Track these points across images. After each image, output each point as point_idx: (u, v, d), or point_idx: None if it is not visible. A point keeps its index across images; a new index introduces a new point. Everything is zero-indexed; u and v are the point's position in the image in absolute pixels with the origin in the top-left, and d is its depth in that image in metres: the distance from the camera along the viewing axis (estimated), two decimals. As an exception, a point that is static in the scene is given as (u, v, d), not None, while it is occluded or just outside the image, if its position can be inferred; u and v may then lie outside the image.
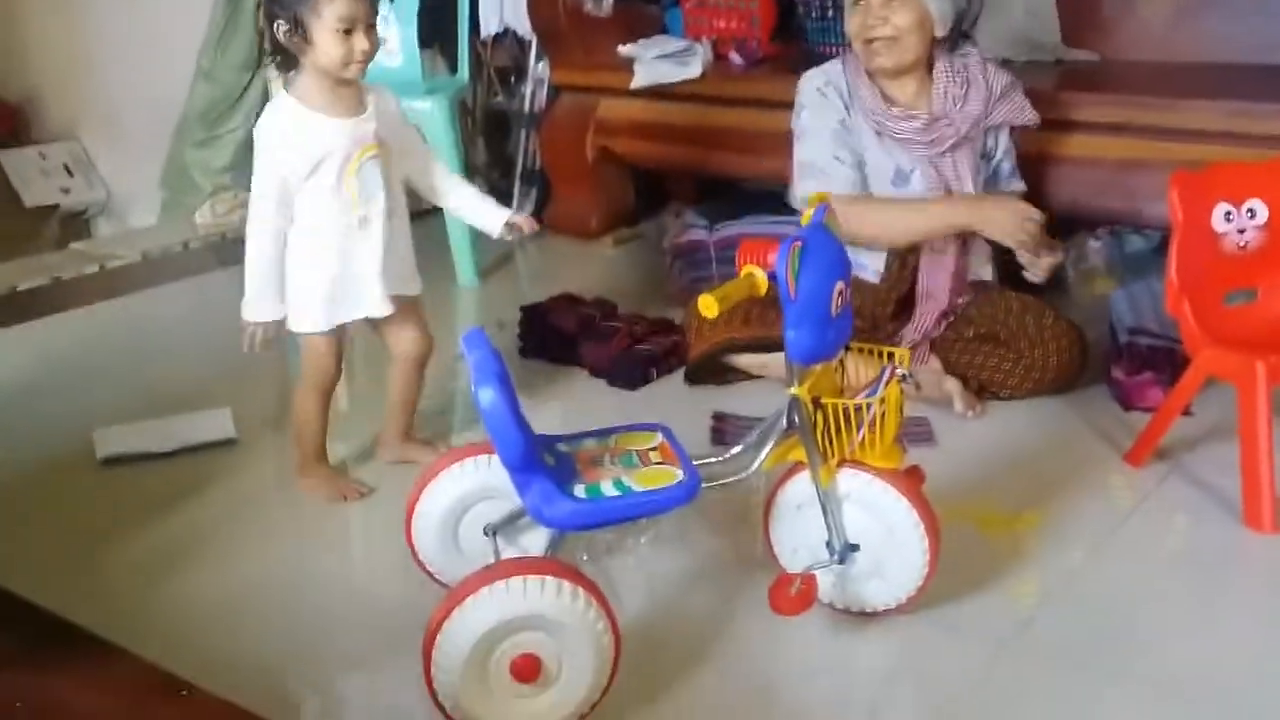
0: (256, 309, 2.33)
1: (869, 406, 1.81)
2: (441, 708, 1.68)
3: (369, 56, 2.19)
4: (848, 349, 1.91)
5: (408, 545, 2.03)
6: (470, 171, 4.37)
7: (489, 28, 4.25)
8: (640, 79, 3.72)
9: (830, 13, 3.54)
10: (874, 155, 2.75)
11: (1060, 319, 2.74)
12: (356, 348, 3.13)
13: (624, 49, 3.83)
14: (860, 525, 1.89)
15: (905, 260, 2.78)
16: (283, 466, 2.71)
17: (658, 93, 3.73)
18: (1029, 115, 2.80)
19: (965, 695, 1.78)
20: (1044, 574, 2.09)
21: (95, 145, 5.17)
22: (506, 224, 2.50)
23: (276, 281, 2.31)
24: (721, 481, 1.92)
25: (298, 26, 2.14)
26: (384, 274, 2.36)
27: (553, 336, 3.10)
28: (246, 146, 4.47)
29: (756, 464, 1.87)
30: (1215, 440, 2.48)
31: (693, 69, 3.68)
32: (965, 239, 2.76)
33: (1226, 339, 2.27)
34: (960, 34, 2.88)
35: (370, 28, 2.18)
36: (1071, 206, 3.05)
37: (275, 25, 2.16)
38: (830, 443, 1.84)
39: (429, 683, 1.67)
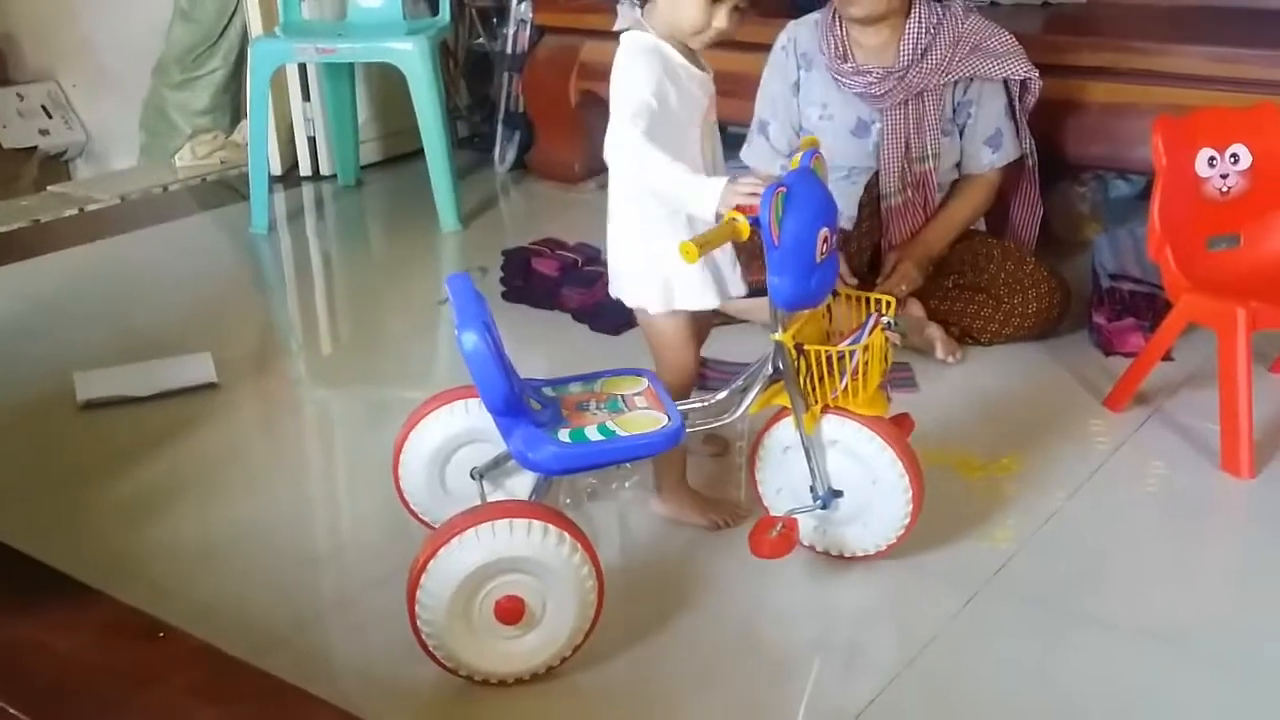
0: (710, 196, 1.77)
1: (852, 354, 1.80)
2: (425, 647, 1.69)
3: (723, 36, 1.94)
4: (834, 295, 1.90)
5: (395, 487, 2.03)
6: (452, 114, 4.34)
7: (471, -32, 4.20)
8: (623, 20, 3.67)
9: (816, -46, 3.49)
10: (837, 106, 2.82)
11: (1040, 266, 2.74)
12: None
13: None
14: (844, 472, 1.89)
15: (875, 209, 2.79)
16: (264, 412, 2.72)
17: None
18: (1012, 69, 2.76)
19: (942, 637, 1.80)
20: (1022, 518, 2.10)
21: (74, 86, 5.11)
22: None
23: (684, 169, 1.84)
24: (706, 426, 1.93)
25: None
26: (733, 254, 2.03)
27: (535, 281, 3.09)
28: (225, 88, 4.49)
29: (741, 409, 1.87)
30: (1195, 386, 2.49)
31: (677, 10, 3.64)
32: (923, 188, 2.78)
33: (1208, 285, 2.27)
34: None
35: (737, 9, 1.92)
36: (1056, 151, 3.03)
37: None
38: (814, 389, 1.84)
39: (413, 623, 1.68)
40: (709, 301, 1.98)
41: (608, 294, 2.96)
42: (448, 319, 3.13)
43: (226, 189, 4.20)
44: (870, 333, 1.81)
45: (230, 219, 3.91)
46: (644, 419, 1.81)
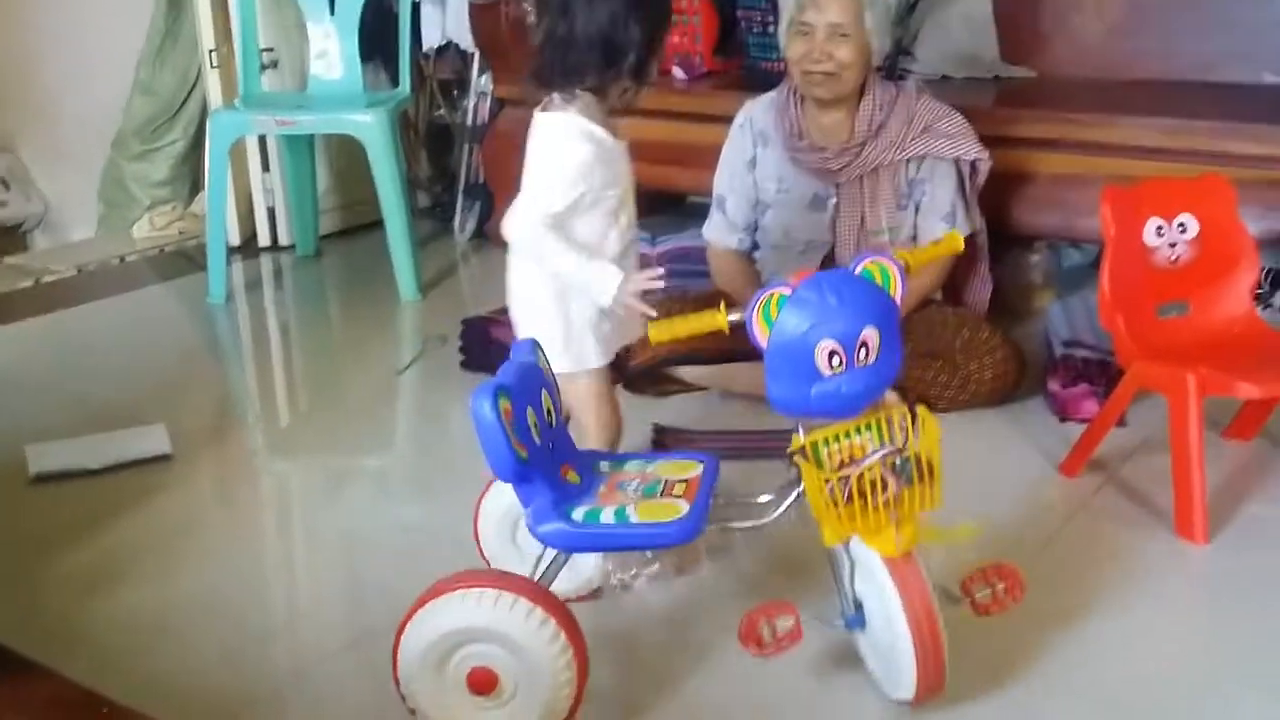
0: (606, 282, 1.95)
1: (844, 480, 1.63)
2: (404, 699, 1.69)
3: None
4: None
5: (474, 539, 2.05)
6: (412, 184, 4.36)
7: (431, 40, 4.24)
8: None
9: (771, 29, 3.54)
10: (792, 181, 2.87)
11: (996, 333, 2.77)
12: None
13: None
14: (869, 600, 1.75)
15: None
16: (220, 483, 2.69)
17: (601, 107, 3.73)
18: (963, 149, 2.82)
19: (897, 704, 1.79)
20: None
21: (32, 158, 5.10)
22: None
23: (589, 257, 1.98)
24: (736, 525, 1.80)
25: (648, 46, 1.97)
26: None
27: (495, 349, 3.08)
28: (184, 160, 4.50)
29: (774, 515, 1.76)
30: (1149, 451, 2.51)
31: (636, 83, 3.69)
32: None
33: (1159, 351, 2.30)
34: (898, 53, 2.93)
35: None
36: (1009, 221, 3.08)
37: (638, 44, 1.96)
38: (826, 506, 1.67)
39: (395, 676, 1.69)
40: (610, 355, 2.08)
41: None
42: (408, 388, 3.13)
43: (184, 260, 4.19)
44: (871, 461, 1.63)
45: (188, 290, 3.89)
46: (664, 507, 1.72)
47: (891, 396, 2.70)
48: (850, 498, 1.62)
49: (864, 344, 1.62)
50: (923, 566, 1.68)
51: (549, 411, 1.77)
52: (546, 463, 1.73)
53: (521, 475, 1.69)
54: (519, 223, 1.97)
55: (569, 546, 1.74)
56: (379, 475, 2.73)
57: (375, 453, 2.82)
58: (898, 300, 1.68)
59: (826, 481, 1.63)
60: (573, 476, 1.78)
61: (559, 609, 1.67)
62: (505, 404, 1.65)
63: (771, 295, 1.62)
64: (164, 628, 2.06)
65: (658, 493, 1.76)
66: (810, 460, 1.67)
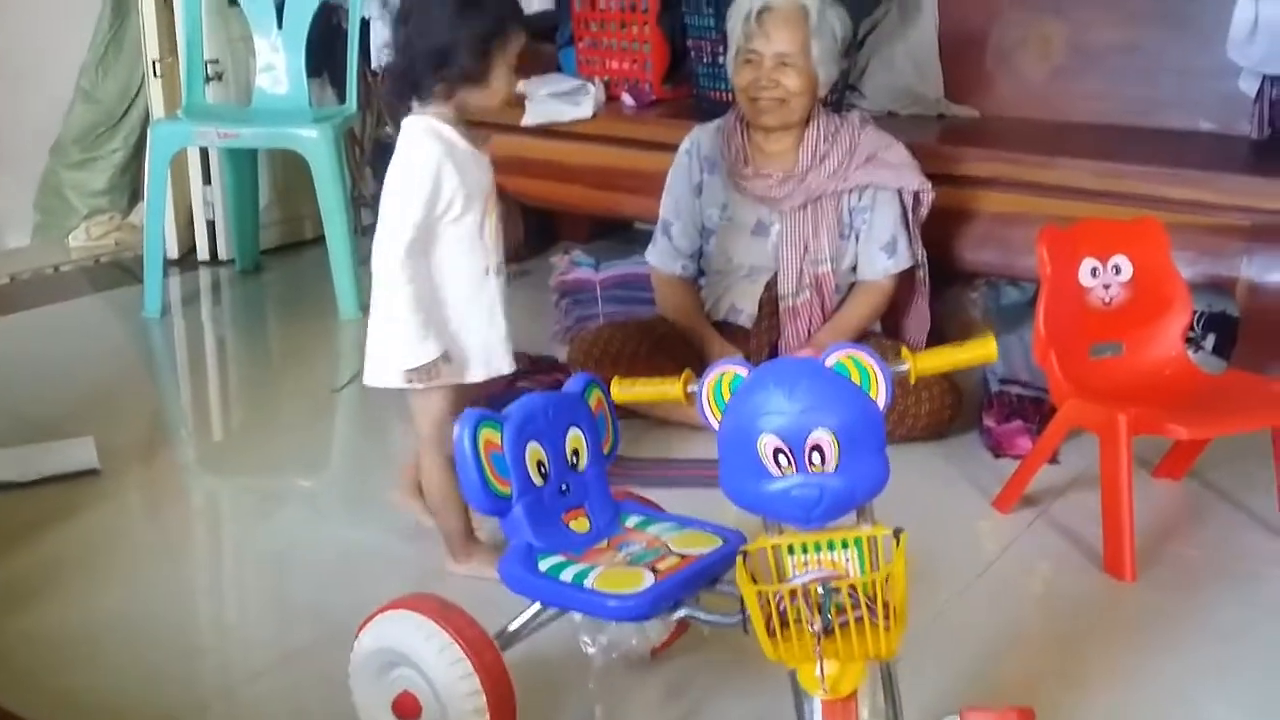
0: (419, 351, 2.04)
1: (777, 597, 1.43)
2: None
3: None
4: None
5: None
6: (356, 202, 4.32)
7: (379, 59, 4.22)
8: (531, 117, 3.72)
9: (720, 60, 3.55)
10: (736, 207, 2.89)
11: (933, 367, 2.79)
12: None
13: (516, 86, 3.82)
14: None
15: (775, 308, 2.84)
16: (148, 499, 2.64)
17: (549, 131, 3.73)
18: (905, 180, 2.84)
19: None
20: (910, 616, 2.10)
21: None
22: None
23: (431, 321, 2.05)
24: (702, 618, 1.65)
25: (484, 59, 2.02)
26: (501, 331, 2.16)
27: (434, 371, 3.06)
28: (124, 170, 4.43)
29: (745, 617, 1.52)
30: (1080, 488, 2.54)
31: (584, 109, 3.69)
32: (821, 291, 2.84)
33: (1092, 390, 2.33)
34: (845, 87, 2.95)
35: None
36: (949, 257, 3.11)
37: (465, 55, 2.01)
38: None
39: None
40: (476, 375, 2.13)
41: (507, 385, 2.98)
42: (344, 407, 3.10)
43: (120, 271, 4.12)
44: (795, 584, 1.44)
45: (123, 302, 3.83)
46: (627, 577, 1.62)
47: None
48: (785, 619, 1.42)
49: (815, 447, 1.41)
50: (860, 714, 1.45)
51: (575, 452, 1.74)
52: (543, 504, 1.70)
53: (495, 509, 1.67)
54: (380, 257, 2.03)
55: (520, 592, 1.70)
56: (311, 494, 2.70)
57: (309, 471, 2.79)
58: (879, 401, 1.45)
59: (759, 594, 1.43)
60: (580, 525, 1.73)
61: (482, 652, 1.63)
62: (490, 435, 1.64)
63: (723, 374, 1.48)
64: (86, 645, 2.02)
65: (645, 561, 1.67)
66: (758, 564, 1.47)
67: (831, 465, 1.41)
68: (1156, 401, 2.28)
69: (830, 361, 1.45)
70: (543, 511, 1.70)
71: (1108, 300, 2.42)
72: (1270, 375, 2.47)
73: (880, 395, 1.45)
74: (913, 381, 1.54)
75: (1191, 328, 3.00)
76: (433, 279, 2.06)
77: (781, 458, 1.41)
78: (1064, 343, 2.35)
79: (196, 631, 2.13)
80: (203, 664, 2.01)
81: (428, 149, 2.02)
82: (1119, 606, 2.19)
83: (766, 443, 1.41)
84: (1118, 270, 2.42)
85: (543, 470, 1.70)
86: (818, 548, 1.46)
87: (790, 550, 1.45)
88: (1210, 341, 3.14)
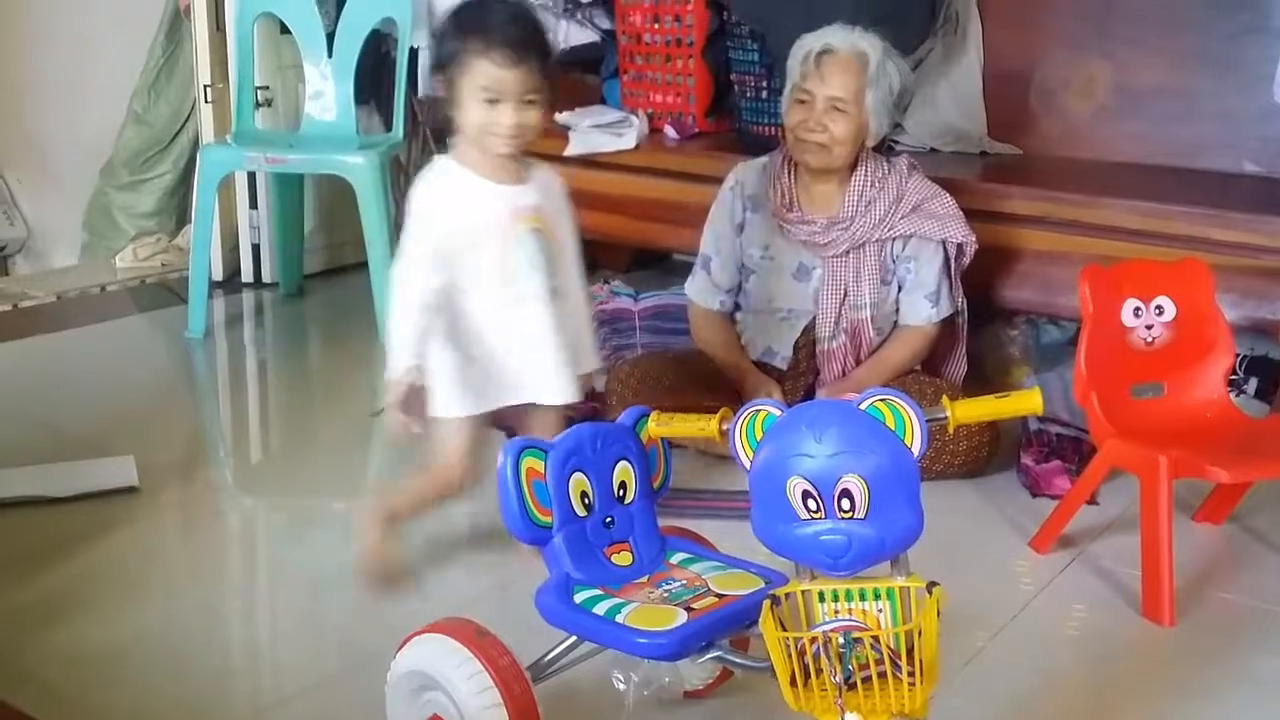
0: (394, 361, 2.04)
1: (799, 643, 1.42)
2: None
3: (520, 132, 2.01)
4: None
5: None
6: (400, 228, 4.35)
7: (426, 87, 4.26)
8: (574, 147, 3.75)
9: (765, 94, 3.58)
10: (779, 249, 2.88)
11: (972, 405, 2.77)
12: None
13: (560, 117, 3.85)
14: None
15: (811, 350, 2.85)
16: (185, 518, 2.66)
17: (591, 161, 3.75)
18: (950, 232, 2.83)
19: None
20: (945, 657, 2.08)
21: (19, 182, 5.09)
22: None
23: (417, 338, 2.05)
24: (735, 660, 1.63)
25: (450, 86, 2.02)
26: (542, 359, 2.13)
27: (471, 398, 3.07)
28: (172, 192, 4.49)
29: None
30: (1119, 530, 2.51)
31: (627, 140, 3.71)
32: (856, 336, 2.83)
33: (1132, 431, 2.31)
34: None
35: (526, 103, 1.99)
36: (990, 294, 3.10)
37: (435, 79, 2.05)
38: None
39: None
40: (507, 400, 2.13)
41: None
42: (382, 431, 3.11)
43: (165, 292, 4.17)
44: (816, 631, 1.43)
45: (167, 322, 3.88)
46: (661, 614, 1.60)
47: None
48: (805, 668, 1.40)
49: (845, 492, 1.38)
50: None
51: (622, 485, 1.72)
52: (585, 536, 1.68)
53: (534, 538, 1.66)
54: (396, 265, 2.08)
55: (552, 622, 1.67)
56: (347, 518, 2.70)
57: (345, 495, 2.80)
58: (915, 450, 1.42)
59: (782, 640, 1.41)
60: (622, 559, 1.71)
61: (511, 683, 1.61)
62: (533, 463, 1.64)
63: (757, 413, 1.46)
64: (118, 663, 2.03)
65: (682, 599, 1.64)
66: (789, 609, 1.44)
67: (861, 512, 1.38)
68: (1198, 444, 2.25)
69: (864, 405, 1.42)
70: (584, 543, 1.68)
71: (1150, 341, 2.40)
72: (1314, 420, 2.44)
73: (915, 442, 1.41)
74: (950, 431, 1.50)
75: (1234, 370, 2.97)
76: (455, 304, 2.08)
77: (811, 501, 1.39)
78: (1105, 383, 2.33)
79: (228, 653, 2.14)
80: (233, 686, 2.01)
81: (423, 189, 2.08)
82: (1157, 651, 2.16)
83: (795, 485, 1.39)
84: (1160, 311, 2.40)
85: (586, 502, 1.68)
86: (849, 596, 1.43)
87: (821, 598, 1.43)
88: (1253, 385, 3.10)
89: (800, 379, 2.87)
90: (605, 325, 3.43)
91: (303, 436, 3.12)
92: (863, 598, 1.43)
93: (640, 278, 3.66)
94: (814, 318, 2.85)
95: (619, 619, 1.60)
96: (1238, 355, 2.84)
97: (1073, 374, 2.36)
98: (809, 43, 2.77)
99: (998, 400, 1.55)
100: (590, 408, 2.99)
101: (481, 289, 2.07)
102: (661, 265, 4.03)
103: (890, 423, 1.41)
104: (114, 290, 4.23)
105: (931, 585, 1.42)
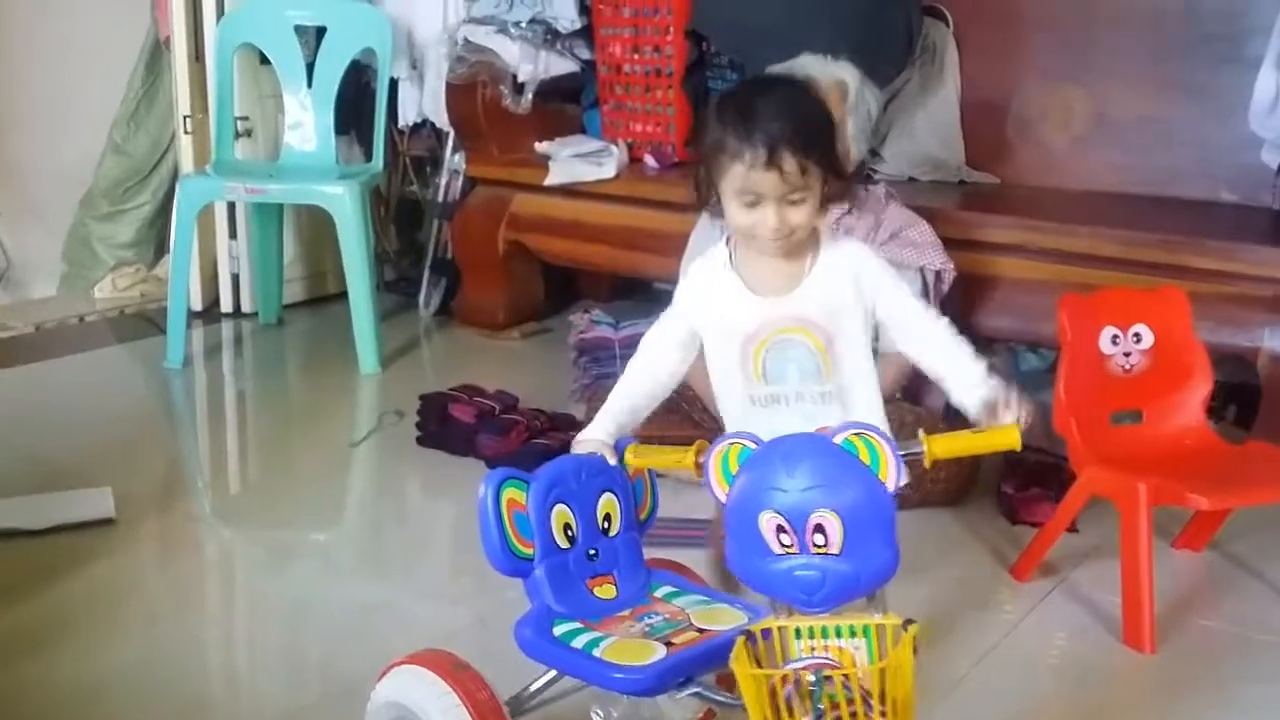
0: (593, 426, 1.76)
1: (770, 681, 1.37)
2: None
3: (788, 232, 1.66)
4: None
5: None
6: (380, 258, 4.36)
7: (407, 117, 4.27)
8: (555, 177, 3.76)
9: (744, 122, 3.61)
10: None
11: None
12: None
13: (540, 146, 3.86)
14: None
15: None
16: (162, 550, 2.64)
17: (572, 191, 3.76)
18: (928, 259, 2.82)
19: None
20: (926, 686, 2.07)
21: (-2, 213, 5.07)
22: (985, 403, 1.68)
23: (618, 412, 1.77)
24: (712, 696, 1.58)
25: (709, 177, 1.71)
26: None
27: (452, 427, 3.07)
28: (151, 223, 4.48)
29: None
30: (1099, 557, 2.51)
31: (607, 169, 3.72)
32: None
33: (1111, 459, 2.31)
34: (869, 151, 2.96)
35: (790, 203, 1.64)
36: (969, 322, 3.10)
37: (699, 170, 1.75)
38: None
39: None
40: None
41: (523, 442, 2.98)
42: (361, 462, 3.10)
43: (144, 322, 4.15)
44: (787, 670, 1.39)
45: (145, 353, 3.86)
46: (638, 649, 1.57)
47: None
48: (777, 707, 1.36)
49: (818, 527, 1.36)
50: None
51: (607, 517, 1.69)
52: (568, 568, 1.65)
53: (515, 569, 1.63)
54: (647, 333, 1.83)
55: (530, 655, 1.64)
56: (326, 549, 2.70)
57: (324, 526, 2.79)
58: (889, 484, 1.39)
59: (754, 678, 1.37)
60: (605, 591, 1.68)
61: (487, 716, 1.59)
62: (515, 494, 1.62)
63: (731, 446, 1.44)
64: (95, 695, 2.01)
65: (662, 633, 1.61)
66: (763, 646, 1.40)
67: (836, 547, 1.36)
68: (1177, 471, 2.26)
69: (839, 439, 1.40)
70: (566, 576, 1.65)
71: (1128, 368, 2.41)
72: (1292, 447, 2.45)
73: (890, 477, 1.39)
74: (928, 465, 1.48)
75: (1213, 397, 2.98)
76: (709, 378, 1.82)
77: (785, 536, 1.37)
78: (1084, 410, 2.34)
79: (206, 685, 2.12)
80: (212, 718, 1.99)
81: (693, 271, 1.81)
82: (1138, 678, 2.16)
83: (768, 520, 1.37)
84: (1138, 338, 2.41)
85: (569, 534, 1.66)
86: (825, 633, 1.39)
87: (797, 634, 1.39)
88: (1231, 412, 3.12)
89: None
90: (586, 354, 3.43)
91: (281, 467, 3.10)
92: (839, 634, 1.40)
93: (621, 307, 3.66)
94: None
95: (596, 653, 1.57)
96: (1216, 382, 2.85)
97: (1051, 401, 2.37)
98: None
99: (975, 435, 1.54)
100: (572, 437, 2.98)
101: (733, 385, 1.80)
102: (643, 294, 4.03)
103: (865, 457, 1.39)
104: (93, 321, 4.21)
105: (908, 623, 1.39)
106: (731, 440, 1.44)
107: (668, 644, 1.59)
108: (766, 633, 1.41)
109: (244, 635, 2.36)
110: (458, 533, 2.82)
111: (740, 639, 1.41)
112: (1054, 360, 3.37)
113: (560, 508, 1.65)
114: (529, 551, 1.63)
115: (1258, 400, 2.91)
